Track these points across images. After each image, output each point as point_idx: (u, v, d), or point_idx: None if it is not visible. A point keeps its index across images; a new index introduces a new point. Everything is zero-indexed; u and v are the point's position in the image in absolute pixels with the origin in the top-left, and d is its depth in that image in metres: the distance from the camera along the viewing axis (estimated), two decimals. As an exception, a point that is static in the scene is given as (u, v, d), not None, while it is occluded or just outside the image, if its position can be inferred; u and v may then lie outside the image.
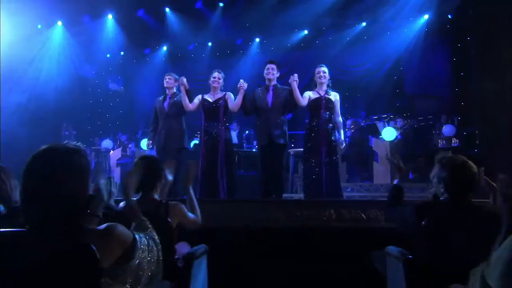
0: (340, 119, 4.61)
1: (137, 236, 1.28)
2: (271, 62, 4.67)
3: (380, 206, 3.17)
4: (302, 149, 6.95)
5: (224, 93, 4.87)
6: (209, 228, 3.25)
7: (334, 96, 4.58)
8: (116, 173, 7.76)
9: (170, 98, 5.07)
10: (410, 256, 2.05)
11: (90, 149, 8.05)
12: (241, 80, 4.77)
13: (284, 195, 5.07)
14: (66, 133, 7.66)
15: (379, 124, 7.25)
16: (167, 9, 8.85)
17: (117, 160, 8.21)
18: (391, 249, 2.26)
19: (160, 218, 2.04)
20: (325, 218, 3.20)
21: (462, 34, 8.33)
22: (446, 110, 8.24)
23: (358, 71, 10.27)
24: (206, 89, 11.29)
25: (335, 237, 3.16)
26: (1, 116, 6.97)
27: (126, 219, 1.50)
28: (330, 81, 4.59)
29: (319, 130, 4.45)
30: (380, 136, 6.99)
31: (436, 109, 8.61)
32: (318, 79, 4.53)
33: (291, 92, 4.50)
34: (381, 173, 6.85)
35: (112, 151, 8.28)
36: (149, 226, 1.53)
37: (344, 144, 4.61)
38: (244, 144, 8.10)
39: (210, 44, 10.30)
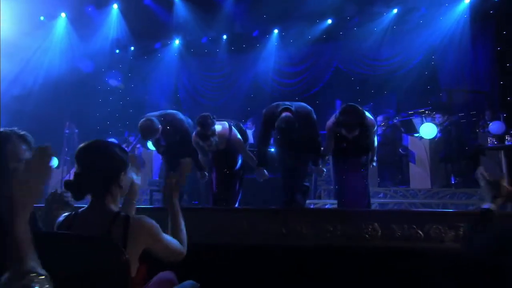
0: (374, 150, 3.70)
1: None
2: (285, 110, 3.42)
3: (443, 220, 2.30)
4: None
5: (224, 139, 3.69)
6: (205, 248, 2.44)
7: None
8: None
9: None
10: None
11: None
12: None
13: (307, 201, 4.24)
14: (67, 131, 7.01)
15: (415, 120, 6.31)
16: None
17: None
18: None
19: (109, 244, 1.23)
20: (367, 236, 2.34)
21: (508, 19, 7.36)
22: (489, 106, 7.25)
23: (387, 65, 9.30)
24: (221, 88, 10.65)
25: (381, 261, 2.30)
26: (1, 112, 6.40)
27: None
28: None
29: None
30: (417, 134, 6.05)
31: (477, 105, 7.64)
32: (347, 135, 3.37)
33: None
34: (419, 176, 5.91)
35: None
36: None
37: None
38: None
39: (225, 37, 9.53)
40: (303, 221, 2.46)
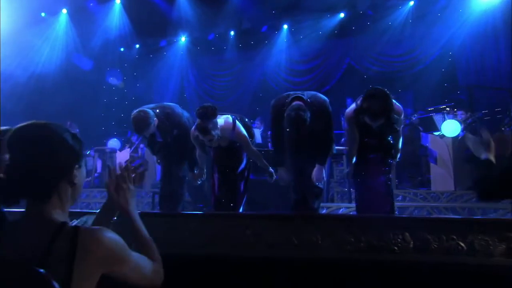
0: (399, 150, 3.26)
1: None
2: (296, 99, 2.99)
3: (491, 230, 1.87)
4: (341, 147, 5.78)
5: (229, 130, 3.24)
6: (200, 261, 2.06)
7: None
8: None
9: None
10: None
11: (94, 149, 7.09)
12: None
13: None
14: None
15: (436, 117, 5.86)
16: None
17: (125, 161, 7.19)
18: None
19: (32, 274, 0.85)
20: (396, 248, 1.93)
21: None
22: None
23: (402, 61, 8.85)
24: (229, 87, 10.27)
25: (414, 279, 1.88)
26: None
27: None
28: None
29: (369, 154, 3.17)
30: (439, 132, 5.59)
31: (499, 102, 7.15)
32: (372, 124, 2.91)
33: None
34: (441, 177, 5.44)
35: (119, 151, 7.27)
36: None
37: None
38: (270, 144, 6.87)
39: (232, 33, 9.17)
40: (318, 229, 2.05)
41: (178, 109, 3.58)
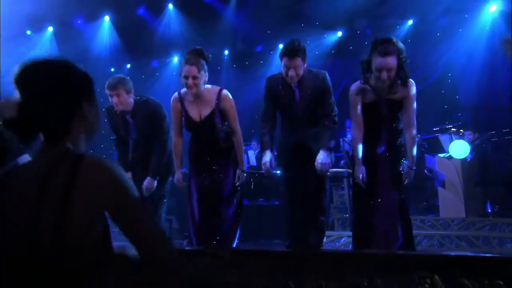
0: (415, 131, 2.87)
1: None
2: (291, 56, 2.75)
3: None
4: (340, 170, 5.37)
5: (215, 94, 2.98)
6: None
7: (404, 92, 2.75)
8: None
9: None
10: None
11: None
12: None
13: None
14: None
15: (442, 138, 5.49)
16: (170, 6, 7.49)
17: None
18: None
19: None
20: (425, 297, 1.49)
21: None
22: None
23: (401, 81, 8.59)
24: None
25: None
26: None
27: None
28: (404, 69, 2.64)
29: (377, 151, 2.81)
30: (445, 154, 5.22)
31: (503, 123, 6.86)
32: (380, 83, 2.68)
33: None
34: (450, 202, 5.02)
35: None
36: None
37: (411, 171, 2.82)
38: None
39: (226, 52, 8.92)
40: (321, 270, 1.62)
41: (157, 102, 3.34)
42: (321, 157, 2.72)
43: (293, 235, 2.66)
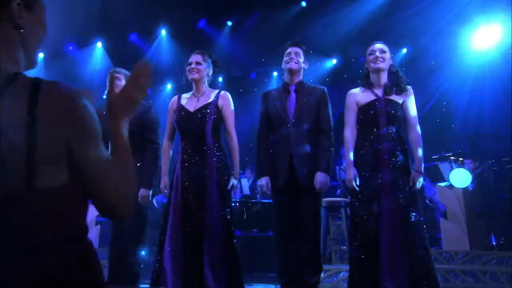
0: (419, 129, 2.75)
1: None
2: (294, 45, 2.94)
3: None
4: (338, 199, 5.15)
5: (215, 93, 2.97)
6: None
7: (402, 95, 2.75)
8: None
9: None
10: None
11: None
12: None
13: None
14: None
15: (442, 166, 5.32)
16: (163, 32, 7.44)
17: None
18: None
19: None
20: None
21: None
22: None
23: (396, 110, 8.54)
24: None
25: None
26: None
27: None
28: (396, 67, 2.77)
29: (376, 156, 2.64)
30: (446, 183, 5.03)
31: (501, 151, 6.75)
32: (373, 64, 2.74)
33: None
34: (453, 234, 4.78)
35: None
36: None
37: (422, 177, 2.65)
38: (258, 196, 6.22)
39: (220, 79, 8.85)
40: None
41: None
42: (319, 178, 2.64)
43: (288, 273, 2.42)
